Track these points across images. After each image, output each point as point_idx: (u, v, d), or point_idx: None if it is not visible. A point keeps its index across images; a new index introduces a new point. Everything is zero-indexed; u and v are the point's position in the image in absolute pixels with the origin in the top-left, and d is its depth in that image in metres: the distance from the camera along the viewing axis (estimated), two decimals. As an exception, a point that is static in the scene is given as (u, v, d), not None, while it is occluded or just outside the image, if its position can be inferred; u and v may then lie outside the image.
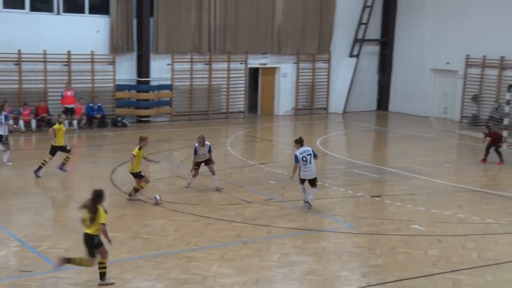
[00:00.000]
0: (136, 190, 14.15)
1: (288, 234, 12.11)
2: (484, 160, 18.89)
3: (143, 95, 25.56)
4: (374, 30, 30.17)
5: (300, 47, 28.53)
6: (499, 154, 18.80)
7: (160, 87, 25.89)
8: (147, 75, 25.55)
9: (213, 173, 15.16)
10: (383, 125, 27.24)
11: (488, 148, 18.87)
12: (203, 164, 15.07)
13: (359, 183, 16.08)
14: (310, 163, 13.49)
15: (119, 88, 25.25)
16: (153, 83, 25.72)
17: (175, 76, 26.03)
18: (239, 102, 27.70)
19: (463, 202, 14.52)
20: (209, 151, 15.09)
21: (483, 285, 9.69)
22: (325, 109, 29.74)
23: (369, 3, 29.58)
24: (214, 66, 26.91)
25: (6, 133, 17.40)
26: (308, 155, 13.52)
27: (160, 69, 25.83)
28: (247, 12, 27.08)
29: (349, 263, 10.69)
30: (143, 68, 25.43)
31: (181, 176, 16.55)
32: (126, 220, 12.78)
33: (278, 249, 11.17)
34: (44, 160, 16.05)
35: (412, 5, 28.94)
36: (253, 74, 28.85)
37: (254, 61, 27.99)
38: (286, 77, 28.83)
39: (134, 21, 25.11)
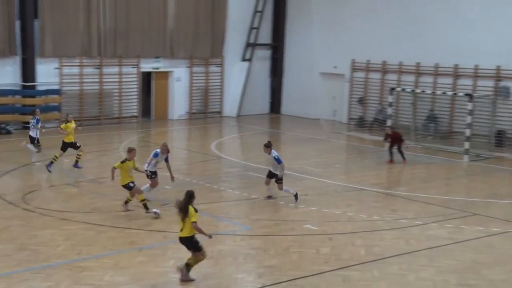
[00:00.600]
0: (144, 204, 13.43)
1: (184, 239, 12.06)
2: (391, 161, 19.58)
3: (29, 101, 24.47)
4: (265, 35, 30.80)
5: (193, 51, 28.54)
6: (402, 153, 19.68)
7: (48, 92, 24.93)
8: (33, 80, 24.51)
9: (153, 185, 14.71)
10: (276, 128, 27.85)
11: (390, 148, 19.72)
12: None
13: (254, 186, 16.35)
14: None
15: (2, 93, 24.05)
16: (40, 88, 24.72)
17: (63, 81, 25.17)
18: (132, 106, 27.26)
19: (352, 201, 15.17)
20: (167, 160, 14.59)
21: (370, 280, 10.18)
22: (219, 112, 29.95)
23: (259, 8, 30.16)
24: (105, 70, 26.31)
25: (38, 136, 18.40)
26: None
27: (47, 73, 24.89)
28: (138, 15, 26.72)
29: (244, 265, 10.85)
30: (28, 72, 24.38)
31: (72, 184, 16.03)
32: (12, 231, 12.21)
33: (174, 254, 11.12)
34: (56, 156, 17.40)
35: (301, 12, 29.84)
36: (146, 78, 28.50)
37: (147, 65, 27.67)
38: (180, 81, 28.74)
39: (17, 23, 24.01)
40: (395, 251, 11.48)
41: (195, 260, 9.97)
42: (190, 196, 9.89)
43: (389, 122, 22.45)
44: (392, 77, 26.20)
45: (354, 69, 27.70)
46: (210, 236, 9.94)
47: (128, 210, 13.59)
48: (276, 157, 14.52)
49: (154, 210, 13.36)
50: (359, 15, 27.23)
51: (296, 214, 13.88)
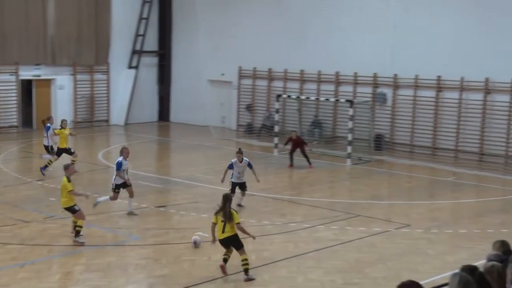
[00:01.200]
0: (77, 231, 11.84)
1: (71, 252, 11.69)
2: (291, 165, 20.10)
3: None
4: (152, 42, 30.50)
5: (76, 58, 27.68)
6: (307, 158, 20.16)
7: None
8: None
9: (131, 195, 14.23)
10: (165, 136, 27.63)
11: (291, 153, 20.17)
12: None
13: (144, 194, 16.12)
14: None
15: None
16: None
17: None
18: (11, 116, 25.96)
19: (242, 207, 15.34)
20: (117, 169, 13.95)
21: (261, 284, 10.38)
22: (107, 121, 29.23)
23: (144, 15, 29.83)
24: (-20, 77, 24.86)
25: (50, 144, 18.51)
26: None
27: None
28: (15, 20, 25.53)
29: (135, 275, 10.67)
30: None
31: None
32: None
33: (60, 269, 10.74)
34: (50, 160, 17.90)
35: (187, 19, 29.86)
36: (26, 86, 27.23)
37: (27, 73, 26.48)
38: (63, 89, 27.75)
39: None
40: (284, 255, 11.79)
41: (245, 257, 10.46)
42: (229, 200, 10.56)
43: (276, 128, 23.01)
44: (278, 84, 26.87)
45: (241, 76, 28.11)
46: (254, 237, 10.79)
47: (83, 243, 11.98)
48: (249, 162, 14.97)
49: (83, 241, 12.00)
50: (244, 23, 27.67)
51: (187, 222, 13.85)
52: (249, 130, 27.12)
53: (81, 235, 11.99)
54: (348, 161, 21.03)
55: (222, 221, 10.45)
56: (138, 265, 11.15)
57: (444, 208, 15.70)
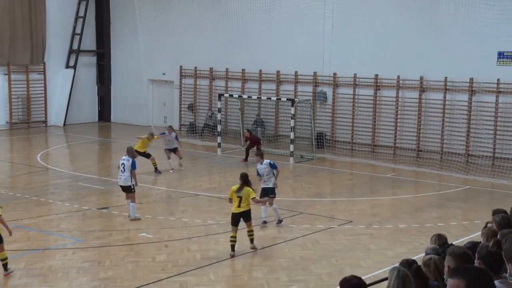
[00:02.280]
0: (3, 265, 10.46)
1: (9, 256, 11.30)
2: (246, 160, 20.72)
3: None
4: (90, 41, 29.91)
5: (10, 58, 26.85)
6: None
7: None
8: None
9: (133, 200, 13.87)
10: (106, 136, 27.16)
11: (248, 150, 20.69)
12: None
13: (85, 196, 15.82)
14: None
15: None
16: None
17: None
18: None
19: (186, 207, 15.32)
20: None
21: (207, 284, 10.38)
22: (44, 122, 28.47)
23: (81, 14, 29.21)
24: None
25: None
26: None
27: None
28: None
29: (78, 279, 10.47)
30: None
31: None
32: None
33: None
34: None
35: (125, 17, 29.41)
36: (-43, 86, 26.25)
37: (-42, 72, 25.48)
38: (-3, 89, 26.88)
39: None
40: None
41: (252, 229, 11.86)
42: (246, 177, 11.85)
43: (219, 128, 23.01)
44: (220, 83, 26.86)
45: (182, 75, 27.94)
46: (265, 202, 13.02)
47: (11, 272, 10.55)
48: (272, 162, 13.87)
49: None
50: (184, 22, 27.48)
51: (130, 223, 13.67)
52: (191, 129, 27.00)
53: (9, 268, 10.63)
54: (291, 160, 21.26)
55: (238, 196, 11.63)
56: (81, 268, 10.95)
57: (384, 204, 16.11)
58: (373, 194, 17.34)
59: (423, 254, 6.34)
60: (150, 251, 11.83)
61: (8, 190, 16.27)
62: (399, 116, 22.68)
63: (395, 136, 22.73)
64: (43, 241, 12.45)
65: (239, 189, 11.75)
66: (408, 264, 5.34)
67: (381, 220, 14.35)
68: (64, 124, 28.64)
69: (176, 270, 10.89)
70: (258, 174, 13.92)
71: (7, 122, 27.23)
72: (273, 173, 13.87)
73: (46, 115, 28.53)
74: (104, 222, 13.85)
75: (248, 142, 21.16)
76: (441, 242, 7.84)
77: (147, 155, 18.70)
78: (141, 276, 10.62)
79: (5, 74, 26.99)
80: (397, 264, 5.25)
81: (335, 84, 23.94)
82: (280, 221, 13.66)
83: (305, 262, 11.49)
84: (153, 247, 12.08)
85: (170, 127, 20.17)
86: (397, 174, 19.76)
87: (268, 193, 13.63)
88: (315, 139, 22.88)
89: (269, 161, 14.05)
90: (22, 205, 14.92)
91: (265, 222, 13.56)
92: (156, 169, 18.95)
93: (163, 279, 10.50)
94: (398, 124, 22.69)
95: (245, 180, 11.84)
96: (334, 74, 23.81)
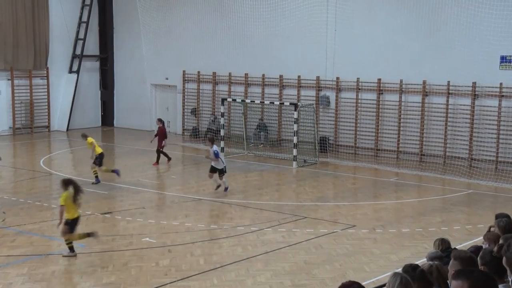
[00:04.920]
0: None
1: (12, 262, 11.36)
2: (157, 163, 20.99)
3: None
4: (93, 46, 29.99)
5: (14, 63, 26.92)
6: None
7: None
8: None
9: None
10: (109, 141, 27.17)
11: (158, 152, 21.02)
12: None
13: (88, 201, 15.79)
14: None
15: None
16: None
17: None
18: None
19: (189, 211, 15.32)
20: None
21: (211, 288, 10.38)
22: (48, 127, 28.52)
23: (84, 19, 29.29)
24: None
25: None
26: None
27: None
28: None
29: (81, 284, 10.47)
30: None
31: None
32: None
33: (0, 280, 10.40)
34: None
35: (128, 22, 29.49)
36: (-39, 91, 26.34)
37: (-39, 78, 25.57)
38: (0, 94, 26.89)
39: None
40: (233, 258, 11.81)
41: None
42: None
43: (222, 132, 23.02)
44: (223, 87, 26.89)
45: (185, 80, 27.98)
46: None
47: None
48: (215, 151, 16.62)
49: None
50: (186, 26, 27.51)
51: (134, 228, 13.68)
52: (194, 134, 27.02)
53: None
54: (294, 164, 21.24)
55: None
56: (84, 273, 10.94)
57: (387, 208, 16.09)
58: (376, 198, 17.32)
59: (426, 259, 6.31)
60: (154, 256, 11.83)
61: (11, 195, 16.30)
62: (402, 120, 22.66)
63: (398, 140, 22.71)
64: (46, 246, 12.46)
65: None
66: (412, 268, 5.33)
67: (384, 224, 14.32)
68: (67, 129, 28.69)
69: (180, 274, 10.88)
70: (217, 155, 16.75)
71: (10, 127, 27.29)
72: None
73: (49, 120, 28.59)
74: (107, 227, 13.86)
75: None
76: (444, 246, 7.84)
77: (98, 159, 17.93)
78: (144, 281, 10.61)
79: (8, 79, 27.07)
80: (399, 269, 5.24)
81: (338, 88, 23.94)
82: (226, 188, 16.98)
83: (308, 266, 11.47)
84: (156, 252, 12.08)
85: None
86: (400, 178, 19.73)
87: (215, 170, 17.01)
88: (318, 143, 22.88)
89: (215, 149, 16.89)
90: (25, 210, 14.95)
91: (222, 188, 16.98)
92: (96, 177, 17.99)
93: (167, 284, 10.50)
94: (401, 128, 22.68)
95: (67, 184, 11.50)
96: (337, 78, 23.82)
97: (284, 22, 24.75)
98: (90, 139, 18.11)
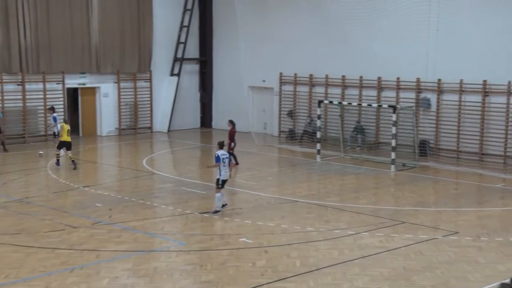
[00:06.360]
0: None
1: (118, 257, 11.85)
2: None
3: None
4: (193, 49, 30.80)
5: (120, 67, 28.16)
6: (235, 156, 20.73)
7: (-33, 110, 23.93)
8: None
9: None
10: (207, 142, 27.80)
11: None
12: None
13: (188, 201, 16.25)
14: (228, 165, 15.10)
15: None
16: (-41, 106, 23.70)
17: (-15, 98, 24.23)
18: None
19: (285, 213, 15.33)
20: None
21: (307, 290, 10.32)
22: (150, 128, 29.61)
23: (185, 23, 30.14)
24: (28, 86, 25.56)
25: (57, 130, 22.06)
26: (226, 158, 15.02)
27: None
28: (61, 31, 26.16)
29: (181, 281, 10.74)
30: None
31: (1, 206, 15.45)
32: None
33: (107, 274, 10.88)
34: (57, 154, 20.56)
35: (227, 25, 30.02)
36: (72, 94, 27.86)
37: (72, 81, 27.08)
38: (107, 96, 28.26)
39: None
40: (329, 261, 11.68)
41: None
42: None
43: (318, 134, 22.90)
44: (319, 90, 26.75)
45: (282, 82, 28.10)
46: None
47: None
48: (216, 155, 15.07)
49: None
50: (284, 29, 27.65)
51: (231, 228, 13.88)
52: (291, 136, 27.08)
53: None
54: (392, 167, 20.74)
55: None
56: (184, 270, 11.22)
57: (493, 216, 15.32)
58: (480, 204, 16.54)
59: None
60: (250, 256, 11.93)
61: (117, 193, 17.02)
62: (510, 123, 21.52)
63: (505, 145, 21.59)
64: (148, 243, 12.89)
65: None
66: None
67: (489, 232, 13.65)
68: (168, 130, 29.65)
69: (276, 276, 10.90)
70: (218, 160, 14.94)
71: (116, 128, 28.57)
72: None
73: (151, 121, 29.66)
74: (206, 227, 14.14)
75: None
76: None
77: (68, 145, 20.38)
78: (241, 280, 10.72)
79: (115, 82, 28.36)
80: (507, 280, 4.96)
81: (440, 90, 23.12)
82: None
83: (407, 273, 11.13)
84: (253, 252, 12.18)
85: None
86: (507, 184, 18.74)
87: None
88: (417, 146, 22.21)
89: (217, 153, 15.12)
90: (129, 207, 15.57)
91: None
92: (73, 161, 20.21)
93: (263, 284, 10.55)
94: (509, 132, 21.53)
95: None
96: (439, 80, 23.01)
97: (383, 22, 24.26)
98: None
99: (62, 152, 20.67)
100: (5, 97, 24.93)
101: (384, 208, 15.84)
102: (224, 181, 14.97)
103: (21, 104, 25.40)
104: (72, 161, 20.18)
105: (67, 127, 20.38)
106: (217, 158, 14.90)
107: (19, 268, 11.05)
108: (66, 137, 20.21)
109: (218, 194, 14.88)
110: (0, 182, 18.26)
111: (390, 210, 15.63)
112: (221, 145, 15.38)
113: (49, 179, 19.07)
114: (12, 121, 25.06)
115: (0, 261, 11.37)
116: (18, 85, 25.34)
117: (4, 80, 24.89)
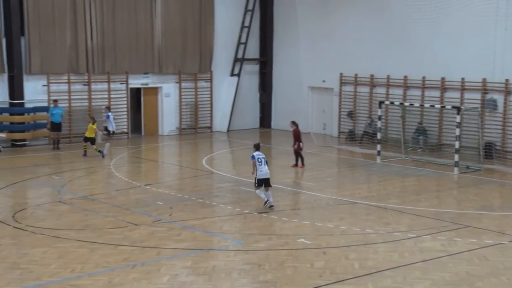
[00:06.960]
0: None
1: (177, 255, 12.04)
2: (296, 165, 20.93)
3: (17, 118, 24.41)
4: (253, 50, 30.95)
5: (181, 67, 28.60)
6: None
7: (36, 109, 24.83)
8: (21, 97, 24.46)
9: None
10: (266, 142, 27.86)
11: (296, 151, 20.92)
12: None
13: (246, 200, 16.34)
14: (265, 164, 15.33)
15: (-10, 111, 23.98)
16: (28, 105, 24.63)
17: (52, 98, 25.07)
18: (122, 122, 27.20)
19: (344, 215, 15.19)
20: None
21: (366, 293, 10.19)
22: (210, 127, 29.95)
23: (246, 24, 30.32)
24: (93, 86, 26.30)
25: (114, 129, 23.84)
26: (262, 158, 15.39)
27: (35, 90, 24.91)
28: (125, 32, 26.82)
29: (239, 280, 10.80)
30: (16, 89, 24.34)
31: (63, 201, 15.95)
32: (3, 250, 12.10)
33: (167, 271, 11.07)
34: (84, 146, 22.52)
35: (287, 26, 30.02)
36: (135, 94, 28.51)
37: (136, 81, 27.70)
38: (169, 96, 28.77)
39: (4, 41, 23.98)
40: (389, 264, 11.50)
41: None
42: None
43: (379, 135, 22.58)
44: (380, 90, 26.36)
45: (342, 83, 27.85)
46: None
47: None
48: (252, 155, 15.47)
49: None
50: (345, 29, 27.41)
51: (289, 228, 13.86)
52: (350, 137, 26.81)
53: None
54: (456, 170, 20.21)
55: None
56: (242, 270, 11.29)
57: (562, 221, 14.69)
58: (549, 210, 15.89)
59: None
60: (308, 257, 11.88)
61: (177, 192, 17.30)
62: None
63: None
64: (207, 241, 13.03)
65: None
66: None
67: (559, 238, 13.10)
68: (228, 130, 29.91)
69: (334, 277, 10.82)
70: (253, 158, 15.37)
71: (177, 128, 29.06)
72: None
73: (211, 121, 30.00)
74: (264, 226, 14.18)
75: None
76: None
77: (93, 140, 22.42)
78: (299, 281, 10.70)
79: (176, 83, 28.83)
80: None
81: (507, 91, 22.36)
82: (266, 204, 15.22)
83: (471, 278, 10.82)
84: (311, 253, 12.13)
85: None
86: None
87: (267, 181, 15.41)
88: (483, 149, 21.55)
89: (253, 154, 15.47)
90: (189, 206, 15.80)
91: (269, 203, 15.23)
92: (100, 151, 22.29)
93: (322, 285, 10.49)
94: None
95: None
96: (506, 80, 22.25)
97: (448, 21, 23.68)
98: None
99: (92, 144, 22.53)
100: (72, 97, 25.76)
101: (446, 211, 15.46)
102: (261, 180, 15.24)
103: (87, 104, 26.19)
104: (99, 151, 22.23)
105: (94, 126, 22.39)
106: (253, 157, 15.41)
107: (83, 263, 11.40)
108: (91, 134, 22.37)
109: (257, 191, 15.43)
110: (66, 179, 18.88)
111: (453, 214, 15.23)
112: (257, 147, 15.76)
113: (113, 177, 19.58)
114: (78, 120, 25.86)
115: (66, 256, 11.76)
116: (85, 85, 26.14)
117: (72, 80, 25.72)
